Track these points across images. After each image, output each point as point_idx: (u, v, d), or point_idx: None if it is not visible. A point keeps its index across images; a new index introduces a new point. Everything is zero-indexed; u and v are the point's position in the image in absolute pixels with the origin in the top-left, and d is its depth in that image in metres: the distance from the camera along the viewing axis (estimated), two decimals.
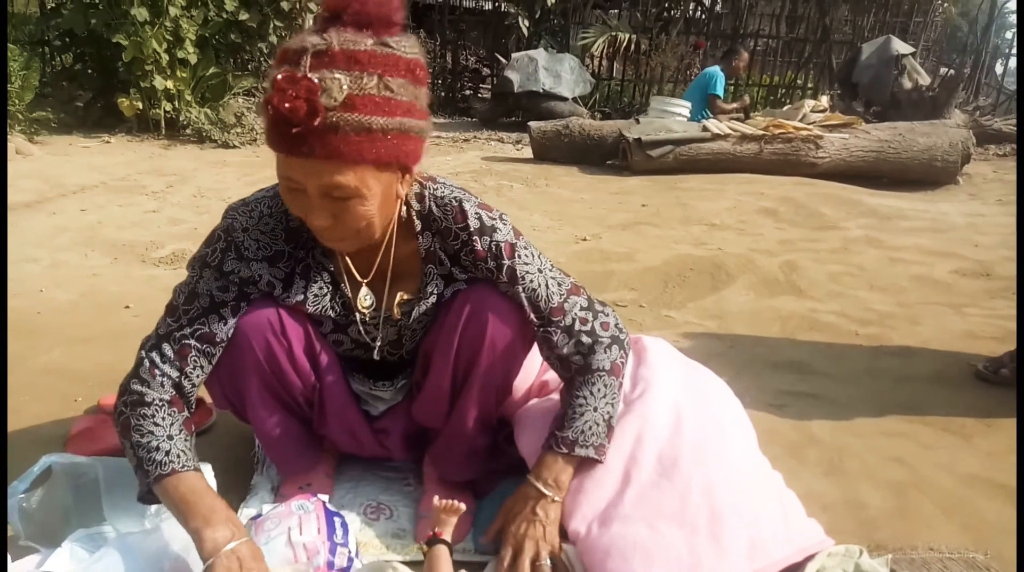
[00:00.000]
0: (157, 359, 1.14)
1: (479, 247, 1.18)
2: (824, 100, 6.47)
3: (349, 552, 1.19)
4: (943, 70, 9.84)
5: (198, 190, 4.38)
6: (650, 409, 1.29)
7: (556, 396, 1.38)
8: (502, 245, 1.18)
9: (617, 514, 1.15)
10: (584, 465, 1.22)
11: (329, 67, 0.92)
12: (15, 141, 5.15)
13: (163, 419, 1.11)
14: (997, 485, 1.56)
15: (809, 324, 2.56)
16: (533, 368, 1.46)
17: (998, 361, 2.10)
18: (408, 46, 0.99)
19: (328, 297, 1.23)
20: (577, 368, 1.23)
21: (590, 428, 1.20)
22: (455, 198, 1.19)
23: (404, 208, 1.17)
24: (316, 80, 0.90)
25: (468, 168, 5.49)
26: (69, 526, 1.19)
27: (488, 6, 9.84)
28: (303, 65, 0.91)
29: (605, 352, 1.23)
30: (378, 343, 1.28)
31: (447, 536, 1.18)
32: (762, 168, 5.19)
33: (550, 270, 1.23)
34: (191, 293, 1.16)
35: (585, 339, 1.22)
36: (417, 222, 1.19)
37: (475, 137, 7.46)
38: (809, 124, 5.49)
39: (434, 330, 1.25)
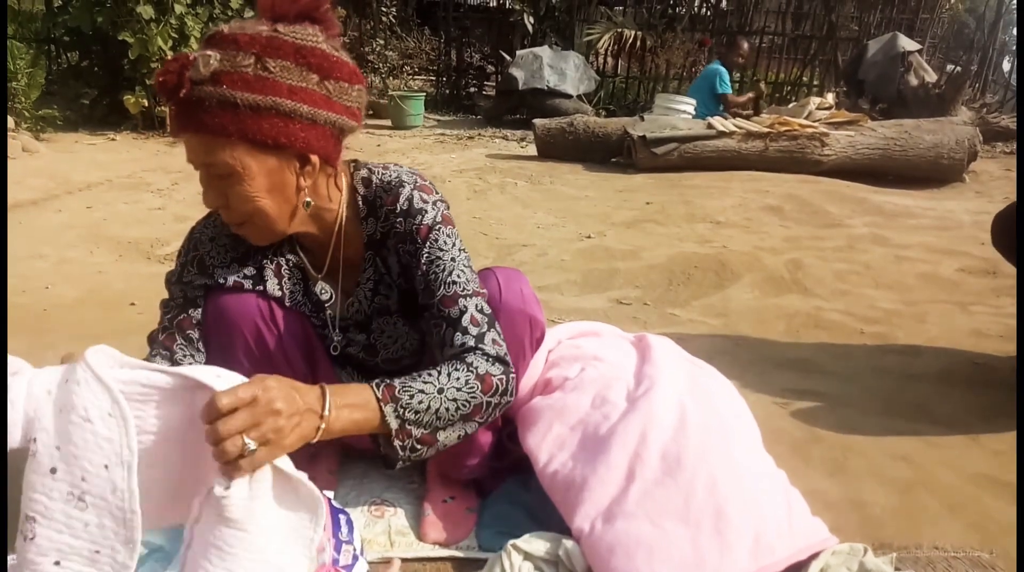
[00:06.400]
0: (152, 352, 1.21)
1: (401, 229, 1.16)
2: (830, 97, 6.44)
3: (354, 549, 1.19)
4: (950, 67, 9.77)
5: None
6: (655, 407, 1.29)
7: (560, 394, 1.38)
8: (420, 227, 1.15)
9: (621, 511, 1.15)
10: (367, 421, 0.98)
11: (212, 47, 0.98)
12: (21, 138, 5.17)
13: None
14: (1003, 484, 1.55)
15: (814, 322, 2.56)
16: (537, 366, 1.46)
17: None
18: (305, 35, 1.01)
19: (301, 293, 1.25)
20: (452, 355, 1.09)
21: (420, 402, 1.00)
22: (397, 179, 1.17)
23: (350, 195, 1.18)
24: (191, 57, 0.97)
25: (472, 165, 5.49)
26: None
27: (493, 3, 9.85)
28: (198, 48, 1.00)
29: (485, 360, 1.07)
30: (336, 338, 1.27)
31: None
32: (767, 165, 5.17)
33: (463, 265, 1.14)
34: (167, 305, 1.23)
35: (470, 337, 1.09)
36: (363, 208, 1.18)
37: (479, 134, 7.45)
38: (815, 121, 5.46)
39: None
